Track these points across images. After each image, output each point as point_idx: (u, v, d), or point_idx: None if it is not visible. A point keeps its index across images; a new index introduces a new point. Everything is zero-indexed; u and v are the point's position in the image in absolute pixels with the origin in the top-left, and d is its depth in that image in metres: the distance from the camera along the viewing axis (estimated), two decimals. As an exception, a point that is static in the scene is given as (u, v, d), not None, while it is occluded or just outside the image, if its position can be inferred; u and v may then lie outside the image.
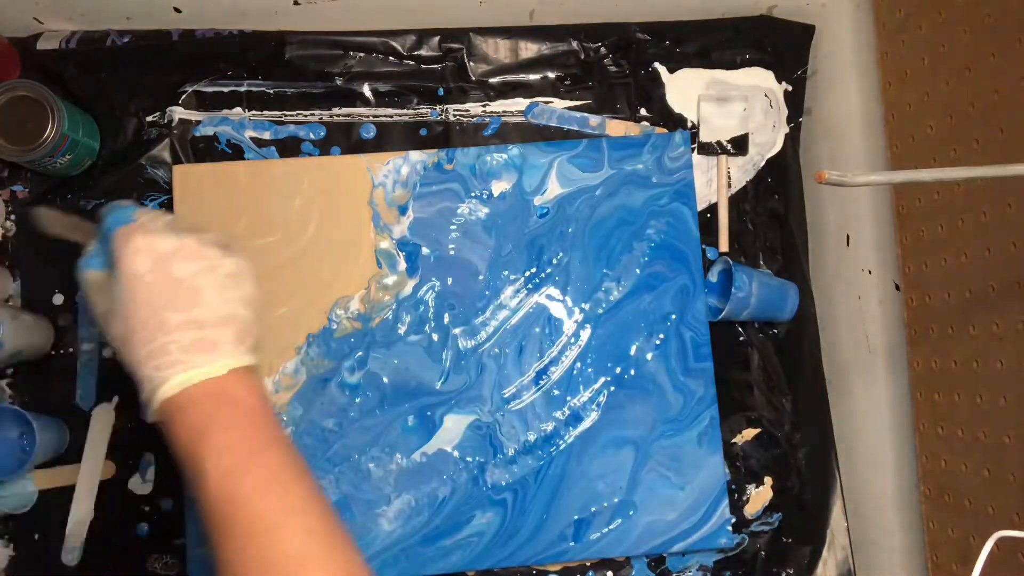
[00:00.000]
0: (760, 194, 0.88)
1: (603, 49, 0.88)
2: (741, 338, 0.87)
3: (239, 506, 0.44)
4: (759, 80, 0.89)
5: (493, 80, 0.87)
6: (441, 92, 0.87)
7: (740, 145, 0.88)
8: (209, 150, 0.83)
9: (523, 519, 0.78)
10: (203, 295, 0.48)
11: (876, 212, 0.85)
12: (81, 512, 0.78)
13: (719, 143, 0.87)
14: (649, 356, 0.82)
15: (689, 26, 0.89)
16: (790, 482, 0.85)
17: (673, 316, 0.82)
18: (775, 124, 0.89)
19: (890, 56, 0.81)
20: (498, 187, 0.82)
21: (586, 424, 0.80)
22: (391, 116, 0.86)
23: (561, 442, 0.80)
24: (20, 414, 0.73)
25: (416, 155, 0.82)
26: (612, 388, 0.81)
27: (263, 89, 0.84)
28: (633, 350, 0.81)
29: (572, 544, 0.78)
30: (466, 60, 0.86)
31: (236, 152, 0.84)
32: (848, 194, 0.88)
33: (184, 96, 0.84)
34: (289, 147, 0.84)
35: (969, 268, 0.71)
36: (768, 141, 0.88)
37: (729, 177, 0.88)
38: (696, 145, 0.87)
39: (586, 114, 0.87)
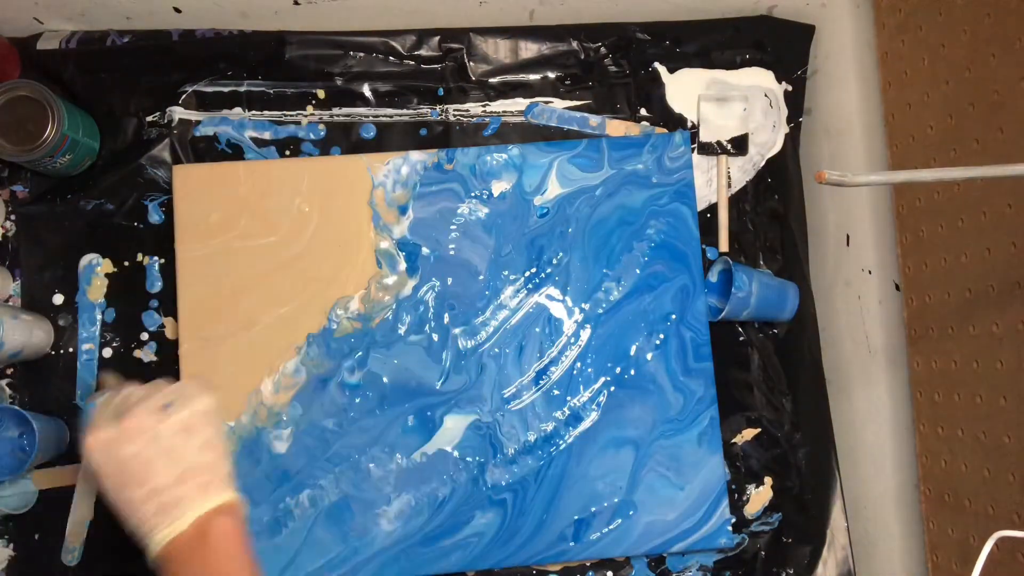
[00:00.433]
0: (760, 194, 0.88)
1: (603, 49, 0.88)
2: (741, 338, 0.87)
3: None
4: (759, 80, 0.89)
5: (493, 80, 0.87)
6: (441, 92, 0.87)
7: (740, 145, 0.88)
8: (209, 150, 0.83)
9: (523, 519, 0.78)
10: (153, 465, 0.54)
11: (876, 212, 0.85)
12: (81, 512, 0.78)
13: (719, 143, 0.87)
14: (649, 356, 0.82)
15: (689, 26, 0.89)
16: (790, 482, 0.85)
17: (673, 316, 0.82)
18: (775, 124, 0.89)
19: (890, 56, 0.81)
20: (498, 187, 0.82)
21: (586, 424, 0.80)
22: (391, 116, 0.86)
23: (561, 442, 0.80)
24: (20, 414, 0.73)
25: (416, 155, 0.82)
26: (612, 388, 0.81)
27: (263, 89, 0.84)
28: (633, 350, 0.81)
29: (572, 544, 0.78)
30: (466, 60, 0.86)
31: (236, 152, 0.84)
32: (848, 194, 0.88)
33: (184, 96, 0.84)
34: (289, 147, 0.84)
35: (969, 268, 0.71)
36: (768, 141, 0.88)
37: (729, 177, 0.88)
38: (696, 145, 0.87)
39: (586, 114, 0.87)
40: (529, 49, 0.87)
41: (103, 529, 0.78)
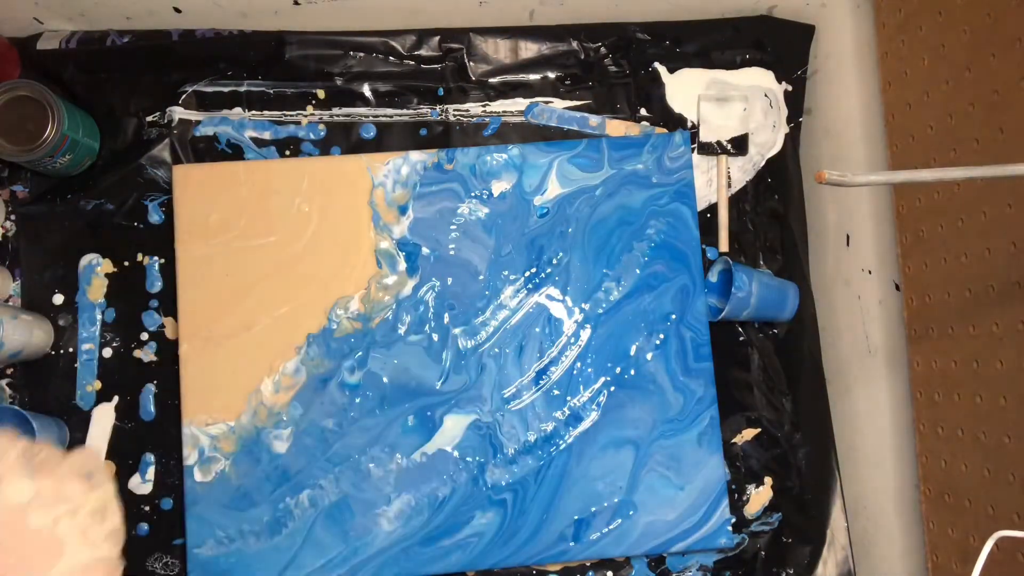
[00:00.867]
0: (760, 194, 0.88)
1: (603, 49, 0.88)
2: (741, 338, 0.87)
3: None
4: (759, 80, 0.89)
5: (493, 80, 0.87)
6: (441, 92, 0.87)
7: (740, 145, 0.88)
8: (209, 150, 0.83)
9: (523, 519, 0.78)
10: (66, 545, 0.45)
11: (876, 212, 0.85)
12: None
13: (719, 143, 0.87)
14: (649, 356, 0.82)
15: (689, 26, 0.89)
16: (790, 482, 0.85)
17: (673, 316, 0.82)
18: (775, 124, 0.89)
19: (890, 56, 0.81)
20: (498, 187, 0.82)
21: (586, 424, 0.80)
22: (391, 116, 0.86)
23: (561, 442, 0.80)
24: (20, 414, 0.73)
25: (416, 155, 0.82)
26: (612, 388, 0.81)
27: (263, 89, 0.84)
28: (633, 350, 0.81)
29: (572, 544, 0.78)
30: (466, 60, 0.86)
31: (236, 152, 0.84)
32: (848, 194, 0.88)
33: (184, 96, 0.84)
34: (289, 147, 0.84)
35: (969, 268, 0.71)
36: (768, 141, 0.88)
37: (729, 177, 0.88)
38: (696, 145, 0.87)
39: (586, 114, 0.87)
40: (529, 49, 0.87)
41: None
